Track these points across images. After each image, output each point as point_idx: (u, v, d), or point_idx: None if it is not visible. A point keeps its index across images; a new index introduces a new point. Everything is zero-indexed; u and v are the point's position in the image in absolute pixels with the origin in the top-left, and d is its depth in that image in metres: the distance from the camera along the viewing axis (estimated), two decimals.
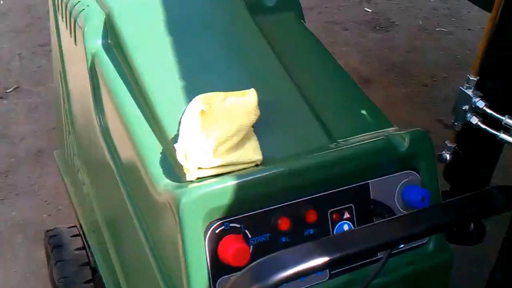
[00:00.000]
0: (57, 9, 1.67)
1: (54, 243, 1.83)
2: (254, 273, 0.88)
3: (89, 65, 1.42)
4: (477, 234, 1.55)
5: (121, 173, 1.33)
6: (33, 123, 2.87)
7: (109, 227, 1.54)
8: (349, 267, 1.17)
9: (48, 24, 3.60)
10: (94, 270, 1.78)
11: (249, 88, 1.24)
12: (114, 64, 1.37)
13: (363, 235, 0.96)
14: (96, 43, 1.42)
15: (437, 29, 3.83)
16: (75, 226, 1.89)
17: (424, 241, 1.25)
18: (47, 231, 1.92)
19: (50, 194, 2.48)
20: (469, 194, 1.04)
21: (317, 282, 1.17)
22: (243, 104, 1.19)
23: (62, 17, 1.61)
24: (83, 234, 1.83)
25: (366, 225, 1.05)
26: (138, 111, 1.27)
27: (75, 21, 1.47)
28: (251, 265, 0.90)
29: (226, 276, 1.10)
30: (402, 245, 1.20)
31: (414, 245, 1.24)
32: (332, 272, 1.17)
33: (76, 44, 1.50)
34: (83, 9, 1.47)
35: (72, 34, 1.51)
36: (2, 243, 2.27)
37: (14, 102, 2.98)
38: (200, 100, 1.20)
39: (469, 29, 3.84)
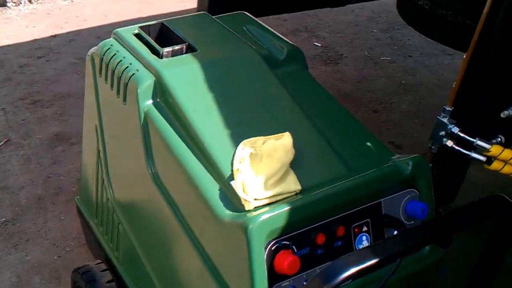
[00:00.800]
0: (97, 73, 1.92)
1: (88, 278, 2.05)
2: (321, 278, 1.17)
3: (141, 121, 1.69)
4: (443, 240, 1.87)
5: (174, 209, 1.60)
6: (29, 173, 3.05)
7: (150, 257, 1.78)
8: None
9: (23, 77, 3.80)
10: None
11: (280, 131, 1.55)
12: (165, 119, 1.65)
13: (404, 240, 1.27)
14: (147, 102, 1.69)
15: (381, 58, 4.25)
16: (102, 262, 2.11)
17: None
18: (77, 268, 2.12)
19: (56, 237, 2.67)
20: (466, 205, 1.36)
21: (343, 284, 1.46)
22: (281, 146, 1.49)
23: (106, 80, 1.86)
24: (111, 268, 2.06)
25: (399, 234, 1.38)
26: (193, 156, 1.55)
27: (126, 84, 1.74)
28: (318, 273, 1.19)
29: (277, 284, 1.39)
30: None
31: None
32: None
33: (125, 104, 1.76)
34: (134, 73, 1.74)
35: (121, 95, 1.77)
36: (23, 284, 2.45)
37: (7, 155, 3.16)
38: (246, 145, 1.49)
39: (409, 56, 4.28)
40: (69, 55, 4.15)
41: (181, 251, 1.62)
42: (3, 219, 2.77)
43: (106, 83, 1.86)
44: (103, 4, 4.83)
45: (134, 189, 1.83)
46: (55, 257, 2.58)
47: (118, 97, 1.79)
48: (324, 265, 1.43)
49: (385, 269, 1.43)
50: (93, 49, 1.97)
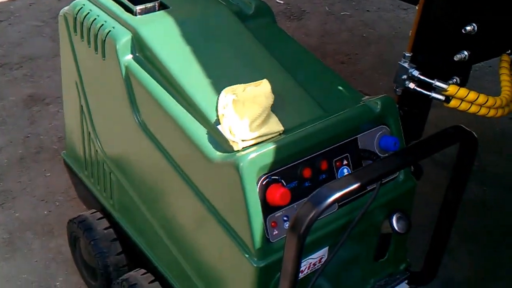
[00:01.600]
0: (72, 31, 2.02)
1: (85, 227, 2.18)
2: (312, 201, 1.33)
3: (123, 75, 1.80)
4: (416, 173, 2.07)
5: (165, 154, 1.73)
6: (7, 134, 3.11)
7: (146, 201, 1.92)
8: (352, 198, 1.66)
9: None
10: (123, 245, 2.15)
11: (257, 79, 1.69)
12: (147, 72, 1.77)
13: (379, 166, 1.44)
14: (127, 57, 1.81)
15: (341, 13, 4.40)
16: (97, 211, 2.24)
17: (396, 175, 1.76)
18: (73, 218, 2.25)
19: (44, 193, 2.77)
20: (434, 133, 1.54)
21: (330, 212, 1.64)
22: (261, 91, 1.63)
23: (82, 38, 1.96)
24: (107, 216, 2.19)
25: (376, 162, 1.56)
26: (179, 105, 1.68)
27: (103, 40, 1.84)
28: (308, 198, 1.35)
29: (271, 215, 1.55)
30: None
31: (389, 178, 1.74)
32: (340, 204, 1.66)
33: (104, 59, 1.87)
34: (110, 30, 1.84)
35: (100, 51, 1.88)
36: (15, 241, 2.55)
37: None
38: (228, 92, 1.63)
39: (367, 11, 4.45)
40: (32, 18, 4.17)
41: (176, 193, 1.77)
42: None
43: (83, 41, 1.96)
44: None
45: (122, 139, 1.96)
46: (45, 212, 2.69)
47: (97, 53, 1.90)
48: None
49: (366, 198, 1.62)
50: (64, 9, 2.05)
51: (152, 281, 1.96)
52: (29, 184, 2.83)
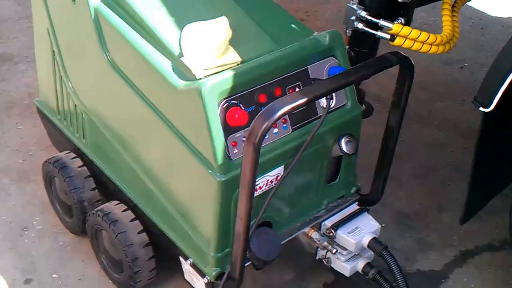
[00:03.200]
0: None
1: (60, 166, 2.32)
2: (264, 114, 1.50)
3: (93, 17, 1.94)
4: (367, 111, 2.26)
5: (134, 88, 1.89)
6: None
7: (118, 136, 2.07)
8: (304, 122, 1.84)
9: None
10: (96, 181, 2.31)
11: (217, 17, 1.85)
12: (115, 12, 1.91)
13: (324, 84, 1.62)
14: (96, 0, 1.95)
15: None
16: (70, 152, 2.38)
17: (344, 103, 1.94)
18: (47, 159, 2.39)
19: (17, 144, 2.89)
20: (372, 58, 1.72)
21: (285, 135, 1.83)
22: (220, 27, 1.80)
23: None
24: (80, 156, 2.34)
25: (323, 80, 1.73)
26: (145, 41, 1.83)
27: None
28: (261, 111, 1.52)
29: (231, 135, 1.72)
30: (332, 105, 1.86)
31: (338, 106, 1.93)
32: (293, 127, 1.84)
33: (74, 3, 2.00)
34: None
35: None
36: None
37: None
38: (190, 27, 1.79)
39: None
40: None
41: (145, 124, 1.92)
42: None
43: None
44: None
45: (93, 79, 2.10)
46: (20, 161, 2.81)
47: None
48: None
49: (315, 123, 1.80)
50: None
51: (125, 210, 2.12)
52: (2, 136, 2.95)
